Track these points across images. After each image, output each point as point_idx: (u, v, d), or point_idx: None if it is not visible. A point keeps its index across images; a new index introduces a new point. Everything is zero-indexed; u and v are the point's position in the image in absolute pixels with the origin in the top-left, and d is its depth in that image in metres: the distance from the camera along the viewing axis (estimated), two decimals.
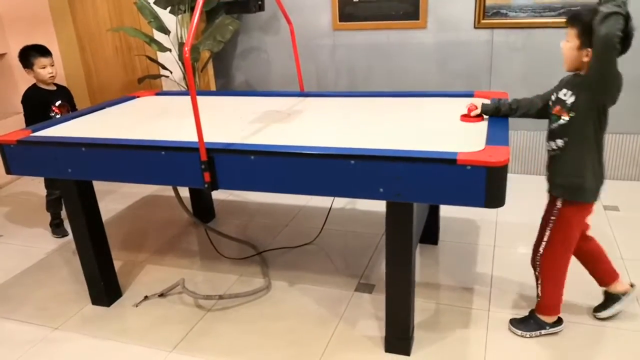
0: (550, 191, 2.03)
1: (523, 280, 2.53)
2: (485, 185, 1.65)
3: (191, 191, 3.37)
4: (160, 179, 2.11)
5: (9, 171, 2.33)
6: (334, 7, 3.91)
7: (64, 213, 3.24)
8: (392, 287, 2.02)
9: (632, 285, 2.23)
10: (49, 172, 2.29)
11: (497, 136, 1.87)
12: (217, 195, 3.66)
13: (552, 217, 2.02)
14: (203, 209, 3.39)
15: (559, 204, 1.99)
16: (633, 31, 1.77)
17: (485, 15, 3.60)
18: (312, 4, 3.97)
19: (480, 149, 1.73)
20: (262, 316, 2.39)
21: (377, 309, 2.38)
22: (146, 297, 2.56)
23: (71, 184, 2.32)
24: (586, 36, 1.76)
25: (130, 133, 2.28)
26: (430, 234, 2.89)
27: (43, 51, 3.05)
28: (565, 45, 1.86)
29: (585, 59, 1.81)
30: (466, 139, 1.91)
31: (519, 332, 2.16)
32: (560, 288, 2.11)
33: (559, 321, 2.16)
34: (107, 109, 2.82)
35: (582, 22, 1.78)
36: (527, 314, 2.22)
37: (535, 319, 2.17)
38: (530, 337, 2.15)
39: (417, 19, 3.75)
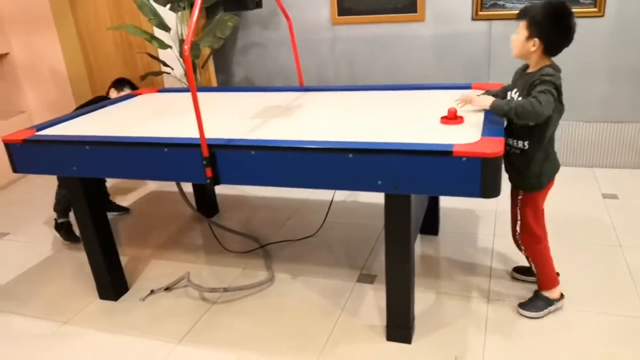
0: (513, 185, 2.20)
1: None
2: (481, 176, 1.68)
3: (194, 186, 3.41)
4: (164, 175, 2.15)
5: (15, 170, 2.37)
6: (332, 1, 3.93)
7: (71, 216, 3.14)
8: (392, 278, 2.06)
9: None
10: (55, 170, 2.34)
11: (492, 128, 1.91)
12: (220, 190, 3.70)
13: (519, 203, 2.19)
14: (206, 204, 3.44)
15: (521, 194, 2.17)
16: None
17: (482, 7, 3.62)
18: None
19: (475, 141, 1.77)
20: (266, 308, 2.44)
21: (379, 298, 2.42)
22: (152, 291, 2.61)
23: (77, 181, 2.36)
24: (533, 27, 1.94)
25: (133, 130, 2.32)
26: (431, 225, 2.93)
27: (134, 87, 3.42)
28: (515, 37, 2.02)
29: (533, 49, 1.96)
30: (462, 131, 1.95)
31: (532, 314, 2.23)
32: (548, 259, 2.24)
33: (562, 297, 2.26)
34: (110, 107, 2.86)
35: (529, 15, 1.95)
36: (531, 295, 2.30)
37: (541, 297, 2.25)
38: (544, 316, 2.23)
39: (415, 12, 3.77)
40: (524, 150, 2.07)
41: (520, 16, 2.00)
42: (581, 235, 2.85)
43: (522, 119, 1.90)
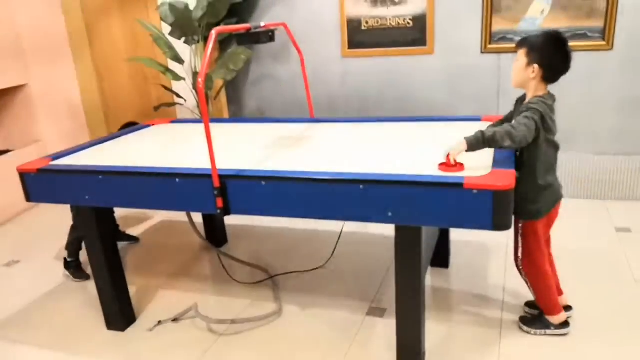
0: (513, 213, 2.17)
1: None
2: (492, 208, 1.67)
3: (204, 216, 3.42)
4: (175, 205, 2.16)
5: (28, 199, 2.40)
6: (342, 35, 4.00)
7: (81, 253, 3.15)
8: (403, 311, 2.03)
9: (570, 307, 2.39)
10: (67, 200, 2.36)
11: (503, 160, 1.91)
12: (230, 220, 3.70)
13: (520, 230, 2.22)
14: (216, 234, 3.44)
15: (521, 222, 2.20)
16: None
17: (491, 40, 3.67)
18: (322, 32, 4.07)
19: (486, 173, 1.77)
20: (274, 341, 2.41)
21: (389, 332, 2.38)
22: (160, 322, 2.59)
23: (88, 210, 2.38)
24: (533, 54, 2.00)
25: (145, 161, 2.35)
26: (441, 258, 2.90)
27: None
28: (515, 65, 2.08)
29: (532, 75, 2.01)
30: (473, 163, 1.94)
31: (525, 329, 2.31)
32: (549, 286, 2.25)
33: (566, 324, 2.27)
34: (124, 137, 2.90)
35: (528, 43, 2.02)
36: (537, 313, 2.35)
37: (542, 319, 2.29)
38: (535, 334, 2.28)
39: (425, 45, 3.83)
40: (517, 181, 2.04)
41: (519, 45, 2.06)
42: (594, 270, 2.80)
43: (507, 143, 1.87)
